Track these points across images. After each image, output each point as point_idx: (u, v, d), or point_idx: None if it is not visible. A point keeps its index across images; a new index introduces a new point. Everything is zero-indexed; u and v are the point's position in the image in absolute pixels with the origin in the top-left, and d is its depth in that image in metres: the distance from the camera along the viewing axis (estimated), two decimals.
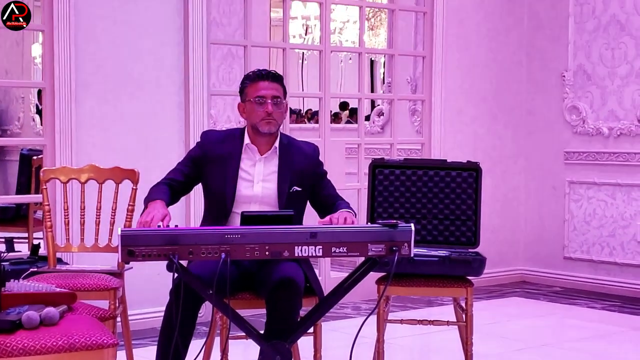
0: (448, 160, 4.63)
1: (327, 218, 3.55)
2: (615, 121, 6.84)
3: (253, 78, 3.79)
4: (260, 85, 3.75)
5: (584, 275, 7.04)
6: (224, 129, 4.16)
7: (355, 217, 3.61)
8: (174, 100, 5.58)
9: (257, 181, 3.80)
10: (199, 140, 3.93)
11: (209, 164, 3.80)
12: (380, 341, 4.22)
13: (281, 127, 3.91)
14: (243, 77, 3.88)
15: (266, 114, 3.73)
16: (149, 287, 5.15)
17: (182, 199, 3.92)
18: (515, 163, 7.41)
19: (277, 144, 3.83)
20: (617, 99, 6.84)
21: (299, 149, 3.87)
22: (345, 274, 3.54)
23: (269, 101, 3.73)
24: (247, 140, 3.82)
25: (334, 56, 8.08)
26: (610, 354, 5.20)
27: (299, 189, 3.80)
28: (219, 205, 3.78)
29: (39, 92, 8.20)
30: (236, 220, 3.68)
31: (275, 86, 3.77)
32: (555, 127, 7.22)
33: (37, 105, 9.49)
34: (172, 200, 3.72)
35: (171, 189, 3.74)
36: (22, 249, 6.45)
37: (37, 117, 9.59)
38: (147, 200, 3.60)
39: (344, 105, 13.29)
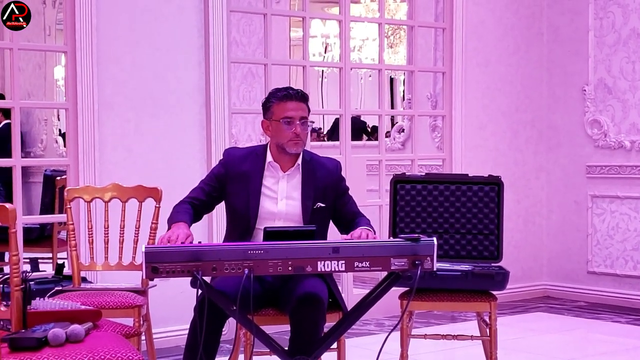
0: (469, 175, 4.63)
1: (349, 235, 3.55)
2: (637, 134, 6.82)
3: (280, 97, 3.77)
4: (288, 106, 3.74)
5: (608, 289, 7.00)
6: (246, 146, 4.17)
7: (375, 234, 3.61)
8: (196, 119, 5.61)
9: (281, 198, 3.81)
10: (221, 158, 3.95)
11: (232, 182, 3.82)
12: (404, 357, 4.22)
13: None
14: (269, 94, 3.86)
15: (294, 135, 3.73)
16: (174, 305, 5.17)
17: (205, 216, 3.94)
18: (537, 178, 7.39)
19: (299, 160, 3.84)
20: (639, 112, 6.81)
21: (322, 165, 3.88)
22: (368, 290, 3.54)
23: (297, 122, 3.73)
24: (269, 158, 3.83)
25: (353, 73, 8.10)
26: None
27: (323, 205, 3.81)
28: (242, 223, 3.79)
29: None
30: (260, 237, 3.70)
31: (302, 106, 3.77)
32: (576, 141, 7.20)
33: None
34: (194, 219, 3.74)
35: (194, 207, 3.76)
36: (47, 269, 6.50)
37: (59, 139, 9.66)
38: (170, 221, 3.62)
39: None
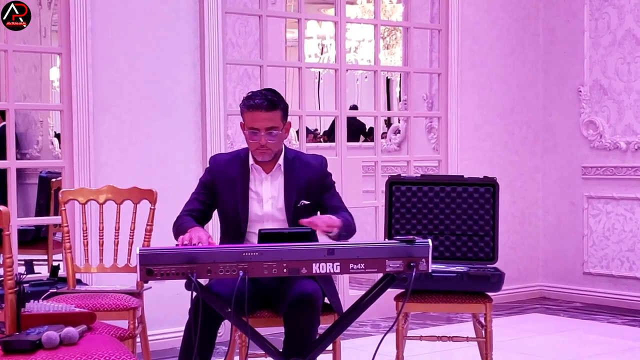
0: (465, 176, 4.63)
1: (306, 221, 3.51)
2: (632, 135, 6.82)
3: (248, 107, 3.70)
4: (254, 116, 3.68)
5: (604, 290, 7.00)
6: (234, 149, 4.15)
7: (340, 223, 3.57)
8: (191, 120, 5.61)
9: (266, 199, 3.81)
10: (207, 166, 3.95)
11: (220, 188, 3.82)
12: (399, 358, 4.22)
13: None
14: (243, 98, 3.78)
15: (260, 145, 3.71)
16: (169, 307, 5.16)
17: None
18: (532, 179, 7.39)
19: (281, 160, 3.83)
20: (634, 113, 6.81)
21: (304, 163, 3.87)
22: (364, 292, 3.54)
23: (262, 133, 3.68)
24: (251, 161, 3.83)
25: (349, 75, 8.10)
26: None
27: (307, 202, 3.80)
28: (233, 227, 3.80)
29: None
30: (251, 240, 3.70)
31: (270, 115, 3.68)
32: (572, 142, 7.20)
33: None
34: None
35: (195, 219, 3.75)
36: (42, 271, 6.48)
37: (55, 141, 9.65)
38: (182, 231, 3.57)
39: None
